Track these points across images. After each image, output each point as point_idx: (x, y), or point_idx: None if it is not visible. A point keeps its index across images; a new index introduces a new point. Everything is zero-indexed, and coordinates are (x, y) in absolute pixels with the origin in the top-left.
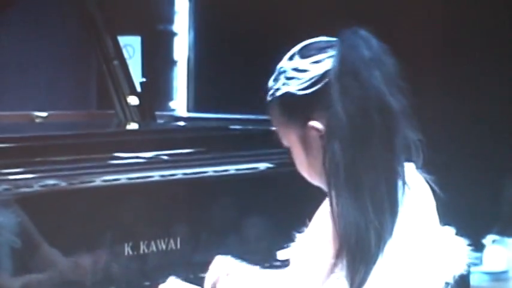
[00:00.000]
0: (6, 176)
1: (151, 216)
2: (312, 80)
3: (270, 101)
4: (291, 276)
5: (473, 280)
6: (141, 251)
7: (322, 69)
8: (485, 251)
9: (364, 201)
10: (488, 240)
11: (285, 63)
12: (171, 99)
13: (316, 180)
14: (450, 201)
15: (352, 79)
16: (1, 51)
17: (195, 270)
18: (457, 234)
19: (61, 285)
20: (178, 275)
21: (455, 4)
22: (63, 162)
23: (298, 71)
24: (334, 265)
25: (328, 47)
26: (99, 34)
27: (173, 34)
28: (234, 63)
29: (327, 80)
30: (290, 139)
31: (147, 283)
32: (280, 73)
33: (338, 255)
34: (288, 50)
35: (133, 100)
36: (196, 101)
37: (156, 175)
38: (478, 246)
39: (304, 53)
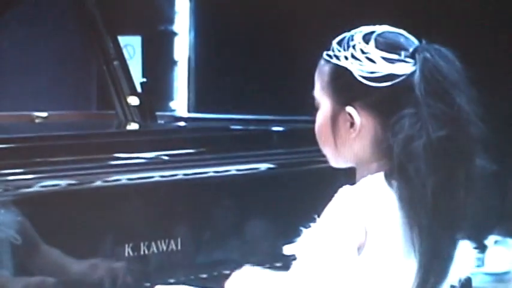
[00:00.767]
0: (6, 177)
1: (151, 217)
2: (375, 75)
3: (326, 60)
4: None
5: (475, 281)
6: (142, 252)
7: (391, 70)
8: (488, 252)
9: (433, 223)
10: (490, 241)
11: (358, 39)
12: (171, 99)
13: (329, 155)
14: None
15: (443, 101)
16: (1, 51)
17: (196, 272)
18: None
19: (61, 286)
20: (178, 276)
21: None
22: (63, 163)
23: (367, 58)
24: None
25: (403, 49)
26: (99, 34)
27: (174, 34)
28: (234, 64)
29: (390, 83)
30: (322, 105)
31: (147, 284)
32: (349, 45)
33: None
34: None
35: (133, 100)
36: (197, 102)
37: (156, 175)
38: (480, 247)
39: (379, 43)
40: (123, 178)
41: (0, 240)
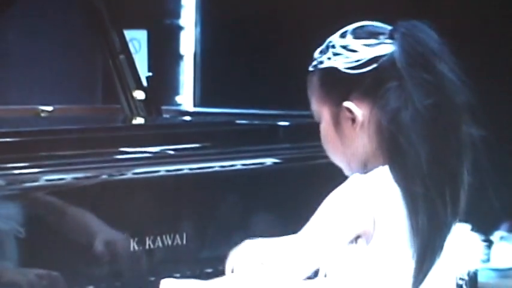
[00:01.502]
0: (11, 171)
1: (157, 211)
2: (360, 62)
3: (312, 72)
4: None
5: (480, 277)
6: (147, 246)
7: (373, 53)
8: (493, 247)
9: (434, 198)
10: (496, 237)
11: (335, 39)
12: (177, 93)
13: (339, 161)
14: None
15: (426, 71)
16: (6, 45)
17: (201, 266)
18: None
19: (66, 279)
20: (184, 271)
21: None
22: (69, 157)
23: (348, 49)
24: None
25: (381, 34)
26: (105, 28)
27: (180, 28)
28: (241, 58)
29: (376, 65)
30: (322, 115)
31: (152, 278)
32: (328, 47)
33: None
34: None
35: (139, 95)
36: (203, 96)
37: (162, 170)
38: (487, 242)
39: (357, 33)
40: (129, 172)
41: (5, 234)
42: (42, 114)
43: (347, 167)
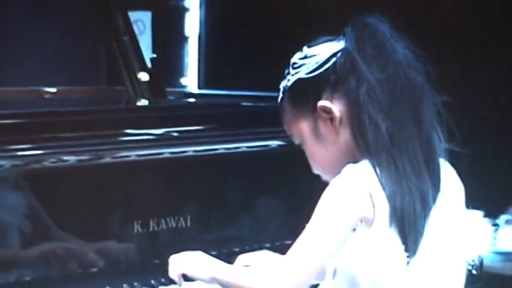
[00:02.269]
0: (15, 152)
1: (161, 194)
2: (320, 62)
3: (281, 98)
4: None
5: (486, 260)
6: (151, 229)
7: (330, 51)
8: (499, 231)
9: (404, 168)
10: (501, 220)
11: (294, 58)
12: (182, 75)
13: (330, 172)
14: (464, 180)
15: (376, 50)
16: (10, 27)
17: (205, 248)
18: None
19: (69, 260)
20: None
21: None
22: (73, 139)
23: (306, 57)
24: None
25: (334, 39)
26: (109, 9)
27: (184, 9)
28: (245, 40)
29: (335, 59)
30: (302, 132)
31: (157, 261)
32: (289, 68)
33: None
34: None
35: (143, 76)
36: (208, 78)
37: (166, 152)
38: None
39: (312, 45)
40: (133, 154)
41: (9, 215)
42: (46, 96)
43: (333, 173)
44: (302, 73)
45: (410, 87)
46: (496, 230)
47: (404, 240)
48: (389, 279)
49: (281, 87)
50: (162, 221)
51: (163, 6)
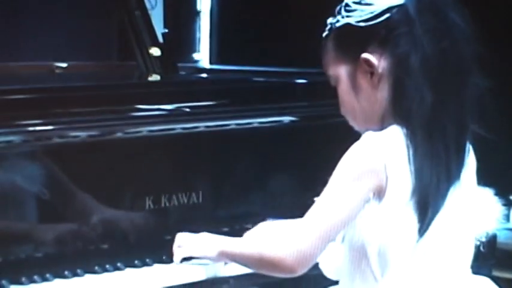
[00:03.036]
0: (26, 128)
1: (172, 170)
2: (374, 13)
3: (326, 36)
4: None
5: (500, 237)
6: (163, 205)
7: (386, 4)
8: None
9: (438, 144)
10: None
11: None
12: (193, 50)
13: (356, 123)
14: (478, 157)
15: (436, 19)
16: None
17: (217, 225)
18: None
19: (82, 236)
20: (200, 230)
21: None
22: (84, 114)
23: (362, 4)
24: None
25: None
26: None
27: None
28: (258, 15)
29: (388, 15)
30: (339, 77)
31: (168, 237)
32: (341, 7)
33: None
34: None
35: (155, 51)
36: (220, 53)
37: (178, 127)
38: (507, 204)
39: None
40: (144, 130)
41: (20, 191)
42: (57, 71)
43: (364, 127)
44: (352, 19)
45: (460, 65)
46: (510, 207)
47: (422, 218)
48: (398, 252)
49: (328, 23)
50: (174, 197)
51: None
